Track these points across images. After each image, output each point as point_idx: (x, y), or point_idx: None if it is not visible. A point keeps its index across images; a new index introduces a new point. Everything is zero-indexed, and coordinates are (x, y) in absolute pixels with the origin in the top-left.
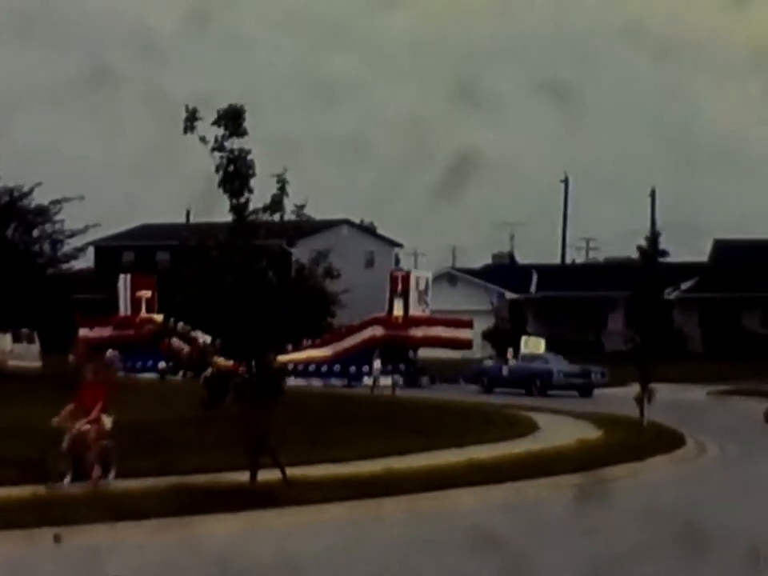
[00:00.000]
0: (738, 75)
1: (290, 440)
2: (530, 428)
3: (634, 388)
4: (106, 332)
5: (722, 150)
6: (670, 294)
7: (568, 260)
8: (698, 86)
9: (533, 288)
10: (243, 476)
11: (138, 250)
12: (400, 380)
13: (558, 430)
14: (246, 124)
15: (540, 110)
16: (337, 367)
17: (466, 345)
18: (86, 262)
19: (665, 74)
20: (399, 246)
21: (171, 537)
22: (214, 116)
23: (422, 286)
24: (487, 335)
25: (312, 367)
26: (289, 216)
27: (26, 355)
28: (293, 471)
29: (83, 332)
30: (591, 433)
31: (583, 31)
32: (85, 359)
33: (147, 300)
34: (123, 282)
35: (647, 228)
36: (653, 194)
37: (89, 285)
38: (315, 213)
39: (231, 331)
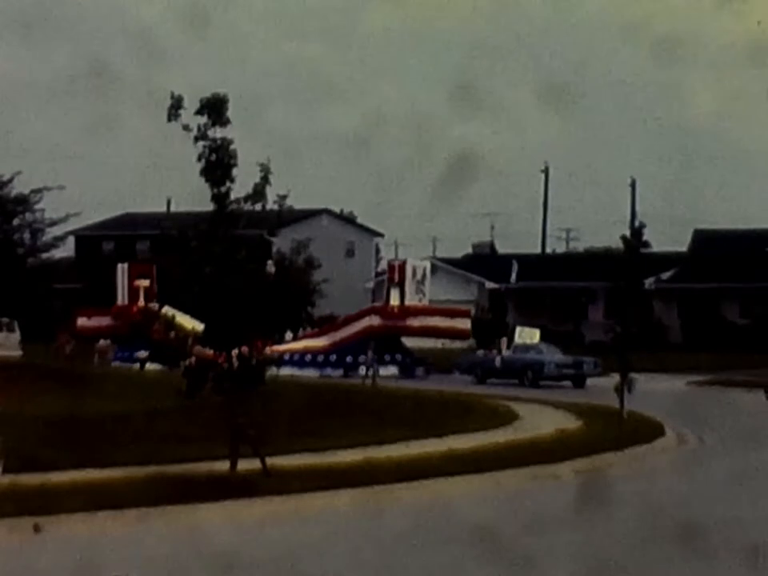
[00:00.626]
0: (721, 70)
1: (271, 430)
2: (509, 418)
3: (615, 378)
4: (104, 321)
5: (703, 142)
6: (650, 285)
7: (548, 250)
8: (685, 80)
9: (513, 278)
10: (223, 466)
11: (118, 239)
12: (395, 370)
13: (537, 419)
14: (230, 114)
15: (524, 103)
16: (333, 357)
17: (465, 335)
18: (67, 251)
19: (652, 67)
20: (380, 235)
21: (150, 527)
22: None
23: (419, 275)
24: None
25: (308, 357)
26: (270, 206)
27: (5, 344)
28: (273, 461)
29: (81, 321)
30: (571, 423)
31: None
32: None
33: (146, 289)
34: (121, 270)
35: (627, 218)
36: (633, 185)
37: (69, 274)
38: (297, 203)
39: (211, 321)
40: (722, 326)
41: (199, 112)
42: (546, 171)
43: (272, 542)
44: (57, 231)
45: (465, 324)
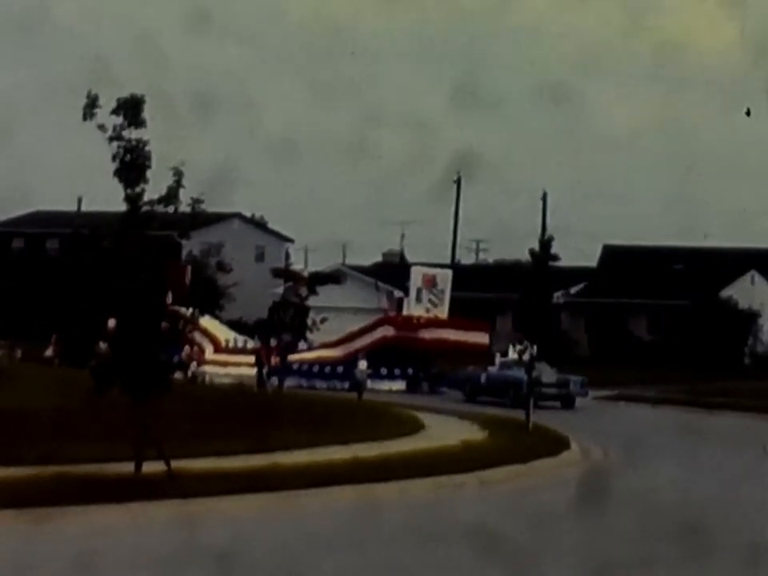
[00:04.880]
0: (640, 81)
1: (178, 432)
2: (415, 427)
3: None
4: None
5: (612, 156)
6: (559, 298)
7: (458, 261)
8: (601, 92)
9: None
10: (128, 467)
11: (27, 237)
12: (403, 385)
13: (443, 430)
14: (145, 114)
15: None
16: (340, 369)
17: (482, 349)
18: None
19: (571, 78)
20: (290, 241)
21: (52, 526)
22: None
23: (440, 285)
24: None
25: (316, 368)
26: (184, 208)
27: None
28: (178, 464)
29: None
30: (476, 434)
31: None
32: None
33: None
34: None
35: (538, 231)
36: (544, 198)
37: None
38: (211, 206)
39: (120, 321)
40: (629, 341)
41: (115, 111)
42: (458, 182)
43: (173, 545)
44: None
45: (482, 338)
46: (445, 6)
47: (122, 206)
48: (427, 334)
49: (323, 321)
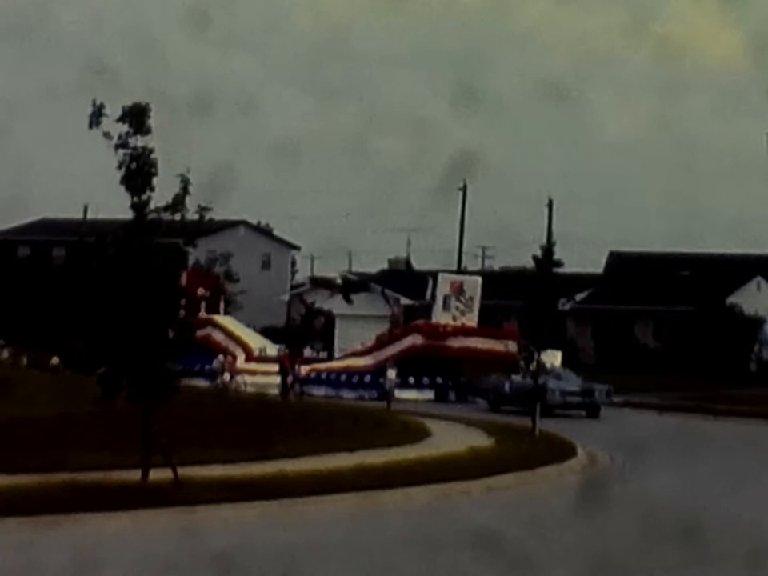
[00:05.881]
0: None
1: (184, 440)
2: (422, 435)
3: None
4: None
5: (615, 161)
6: (564, 305)
7: (464, 268)
8: (604, 100)
9: (428, 294)
10: (135, 474)
11: (33, 245)
12: (431, 394)
13: (450, 437)
14: (151, 122)
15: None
16: (368, 378)
17: (512, 358)
18: None
19: (579, 85)
20: (296, 248)
21: (60, 534)
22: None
23: (468, 293)
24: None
25: (343, 377)
26: (191, 216)
27: None
28: (185, 471)
29: None
30: (483, 441)
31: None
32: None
33: (207, 299)
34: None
35: (544, 238)
36: (550, 205)
37: None
38: (218, 214)
39: (127, 329)
40: (634, 348)
41: (120, 119)
42: (463, 189)
43: (180, 552)
44: None
45: (512, 347)
46: (446, 8)
47: (128, 214)
48: (456, 343)
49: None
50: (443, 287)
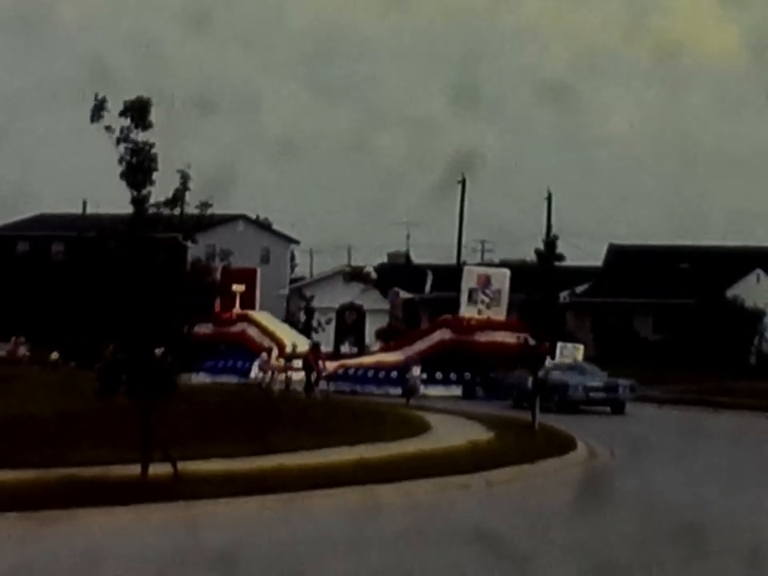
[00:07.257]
0: (642, 82)
1: (184, 434)
2: (421, 428)
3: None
4: (206, 329)
5: (615, 156)
6: (564, 298)
7: (464, 262)
8: (605, 93)
9: (428, 288)
10: (134, 469)
11: (33, 240)
12: (459, 390)
13: (450, 431)
14: (152, 117)
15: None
16: (394, 374)
17: (544, 353)
18: None
19: (576, 77)
20: (295, 242)
21: (60, 529)
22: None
23: (495, 285)
24: (380, 334)
25: (370, 373)
26: (192, 211)
27: None
28: (184, 465)
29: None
30: (483, 434)
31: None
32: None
33: (242, 295)
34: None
35: (543, 231)
36: (549, 198)
37: None
38: (219, 208)
39: (126, 324)
40: (634, 341)
41: (122, 113)
42: (462, 182)
43: (180, 547)
44: None
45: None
46: (445, 6)
47: (127, 209)
48: (484, 337)
49: (329, 322)
50: (469, 279)
